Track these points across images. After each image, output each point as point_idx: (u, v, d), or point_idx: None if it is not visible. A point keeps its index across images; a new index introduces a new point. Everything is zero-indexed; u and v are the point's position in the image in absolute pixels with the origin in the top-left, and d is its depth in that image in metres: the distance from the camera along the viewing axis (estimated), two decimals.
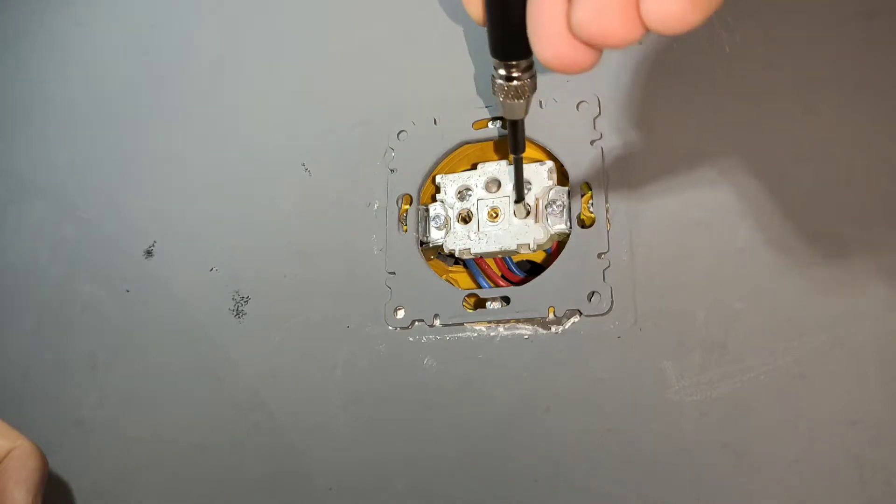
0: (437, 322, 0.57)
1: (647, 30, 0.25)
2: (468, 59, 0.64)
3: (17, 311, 0.73)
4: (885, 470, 0.45)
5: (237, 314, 0.64)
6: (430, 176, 0.62)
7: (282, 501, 0.58)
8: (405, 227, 0.61)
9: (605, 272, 0.53)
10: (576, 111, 0.58)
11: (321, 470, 0.58)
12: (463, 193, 0.60)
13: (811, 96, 0.52)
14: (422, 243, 0.60)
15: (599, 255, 0.54)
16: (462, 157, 0.63)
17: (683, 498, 0.48)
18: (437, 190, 0.61)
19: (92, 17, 0.83)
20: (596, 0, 0.25)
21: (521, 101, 0.38)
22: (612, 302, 0.53)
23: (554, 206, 0.57)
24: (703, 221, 0.52)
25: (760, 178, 0.52)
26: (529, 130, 0.59)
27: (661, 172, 0.55)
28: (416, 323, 0.58)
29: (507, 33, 0.32)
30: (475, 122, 0.61)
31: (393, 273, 0.59)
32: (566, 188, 0.57)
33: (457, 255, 0.59)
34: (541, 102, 0.59)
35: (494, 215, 0.59)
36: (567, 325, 0.53)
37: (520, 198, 0.56)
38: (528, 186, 0.58)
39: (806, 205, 0.50)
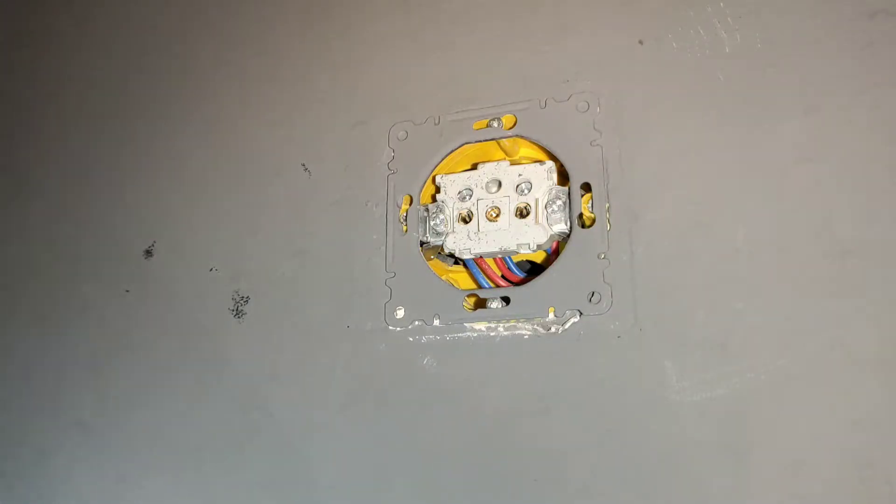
0: (437, 322, 0.57)
1: None
2: (469, 59, 0.64)
3: (17, 311, 0.73)
4: (885, 470, 0.45)
5: (237, 314, 0.64)
6: (431, 176, 0.62)
7: (282, 501, 0.58)
8: (405, 227, 0.61)
9: (605, 272, 0.53)
10: (576, 111, 0.58)
11: (321, 470, 0.58)
12: (463, 193, 0.60)
13: (811, 96, 0.52)
14: (422, 243, 0.60)
15: (599, 256, 0.54)
16: (462, 157, 0.63)
17: (683, 498, 0.48)
18: (438, 190, 0.61)
19: (92, 17, 0.83)
20: None
21: None
22: (612, 302, 0.53)
23: (554, 206, 0.57)
24: (703, 221, 0.52)
25: (760, 178, 0.52)
26: (530, 130, 0.59)
27: (661, 172, 0.55)
28: (416, 323, 0.58)
29: None
30: (475, 122, 0.61)
31: (393, 273, 0.59)
32: (566, 188, 0.57)
33: (457, 255, 0.59)
34: (541, 102, 0.59)
35: (494, 215, 0.59)
36: (567, 325, 0.53)
37: None
38: (528, 186, 0.58)
39: (806, 205, 0.50)
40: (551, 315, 0.54)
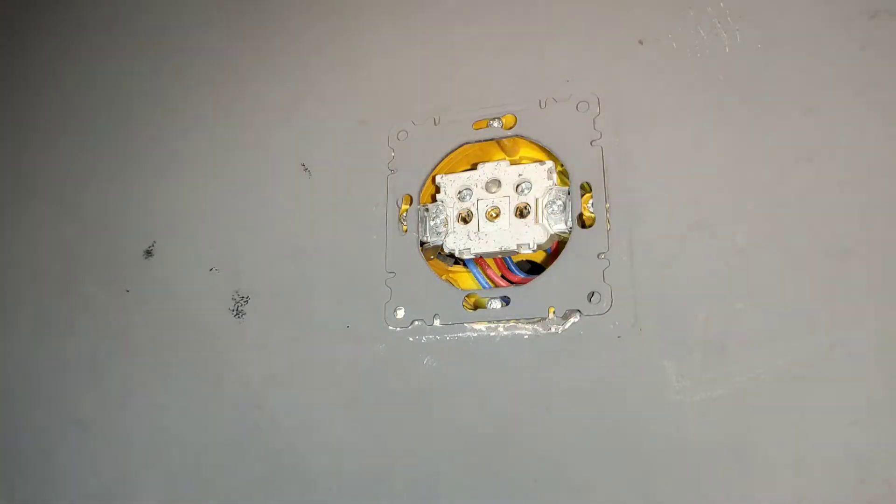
0: (437, 322, 0.57)
1: None
2: (469, 59, 0.64)
3: (17, 311, 0.73)
4: (885, 470, 0.45)
5: (237, 314, 0.64)
6: (430, 176, 0.62)
7: (282, 501, 0.58)
8: (405, 227, 0.61)
9: (605, 272, 0.53)
10: (576, 111, 0.58)
11: (321, 470, 0.58)
12: (463, 193, 0.60)
13: (811, 96, 0.52)
14: (422, 243, 0.60)
15: (599, 255, 0.54)
16: (462, 157, 0.63)
17: (683, 498, 0.48)
18: (437, 190, 0.61)
19: (92, 16, 0.83)
20: None
21: None
22: (612, 302, 0.53)
23: (554, 206, 0.57)
24: (703, 221, 0.52)
25: (760, 178, 0.52)
26: (530, 130, 0.59)
27: (661, 172, 0.55)
28: (416, 323, 0.58)
29: None
30: (475, 122, 0.61)
31: (393, 273, 0.59)
32: (566, 188, 0.57)
33: (457, 255, 0.59)
34: (541, 102, 0.59)
35: (494, 215, 0.59)
36: (567, 325, 0.53)
37: None
38: (528, 186, 0.58)
39: (806, 205, 0.50)
40: (551, 315, 0.54)
